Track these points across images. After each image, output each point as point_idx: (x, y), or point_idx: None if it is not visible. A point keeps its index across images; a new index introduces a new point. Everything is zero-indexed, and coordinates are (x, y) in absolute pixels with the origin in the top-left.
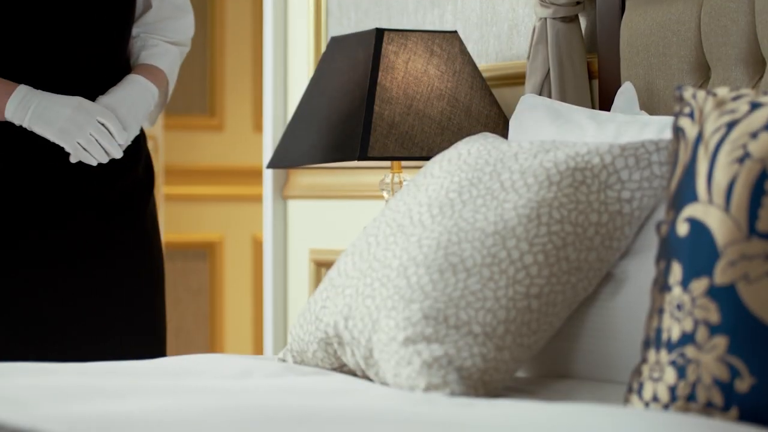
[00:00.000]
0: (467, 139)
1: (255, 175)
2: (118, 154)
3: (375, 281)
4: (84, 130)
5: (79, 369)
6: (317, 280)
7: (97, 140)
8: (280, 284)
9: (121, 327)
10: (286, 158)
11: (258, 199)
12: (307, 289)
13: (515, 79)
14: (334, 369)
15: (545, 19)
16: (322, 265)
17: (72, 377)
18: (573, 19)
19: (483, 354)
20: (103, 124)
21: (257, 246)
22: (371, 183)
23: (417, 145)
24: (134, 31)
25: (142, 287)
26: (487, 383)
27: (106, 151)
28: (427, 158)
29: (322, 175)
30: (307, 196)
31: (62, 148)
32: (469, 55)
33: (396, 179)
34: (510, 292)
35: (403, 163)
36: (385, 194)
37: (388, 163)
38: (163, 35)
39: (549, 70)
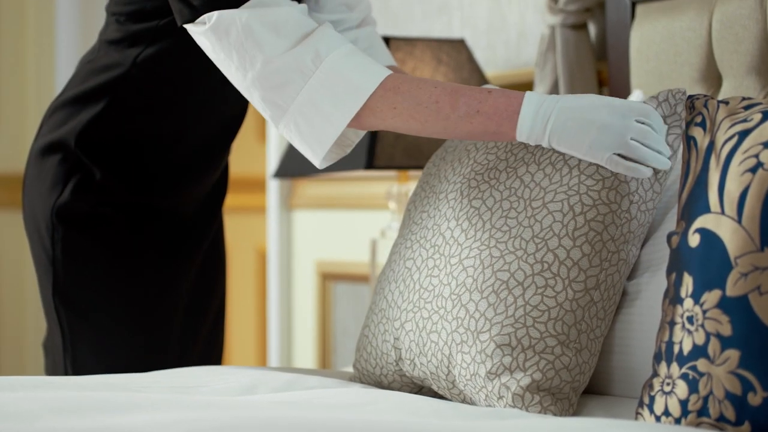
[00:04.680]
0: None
1: (258, 186)
2: (668, 152)
3: (433, 314)
4: (624, 136)
5: (79, 383)
6: (323, 291)
7: (642, 144)
8: (285, 296)
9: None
10: (292, 168)
11: (261, 209)
12: (312, 301)
13: (524, 87)
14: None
15: (554, 26)
16: (327, 277)
17: (73, 391)
18: (582, 27)
19: (566, 365)
20: (643, 123)
21: (260, 257)
22: (378, 193)
23: (424, 154)
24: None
25: (223, 294)
26: (576, 390)
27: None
28: None
29: (328, 185)
30: (312, 206)
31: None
32: (477, 63)
33: (403, 189)
34: (570, 293)
35: (410, 172)
36: (391, 204)
37: (394, 173)
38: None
39: (558, 77)
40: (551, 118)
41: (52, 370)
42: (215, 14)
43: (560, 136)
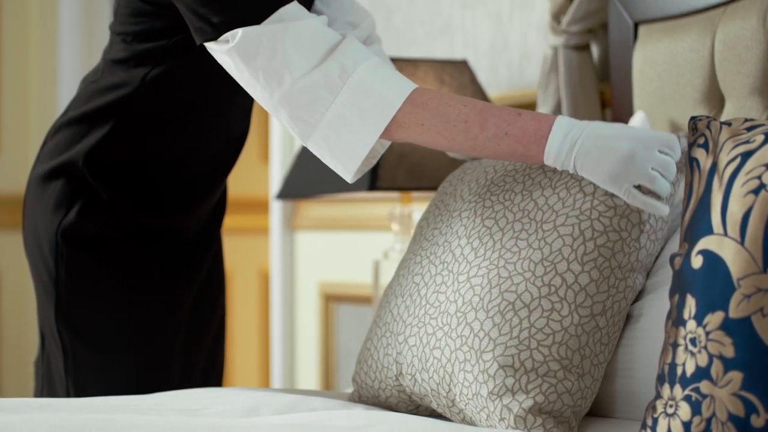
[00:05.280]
0: None
1: (261, 207)
2: (666, 191)
3: (437, 330)
4: (645, 167)
5: (83, 404)
6: (325, 313)
7: (662, 175)
8: (288, 317)
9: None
10: (295, 189)
11: (264, 231)
12: (315, 322)
13: (527, 108)
14: (411, 412)
15: (557, 47)
16: (330, 299)
17: (77, 413)
18: (585, 48)
19: (568, 389)
20: (666, 153)
21: (263, 278)
22: (380, 215)
23: (427, 176)
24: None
25: (222, 314)
26: (578, 414)
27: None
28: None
29: (331, 207)
30: (315, 227)
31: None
32: (480, 85)
33: (405, 211)
34: (575, 318)
35: (413, 194)
36: (394, 226)
37: (397, 195)
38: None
39: (561, 98)
40: (577, 144)
41: (47, 390)
42: (239, 33)
43: (583, 163)
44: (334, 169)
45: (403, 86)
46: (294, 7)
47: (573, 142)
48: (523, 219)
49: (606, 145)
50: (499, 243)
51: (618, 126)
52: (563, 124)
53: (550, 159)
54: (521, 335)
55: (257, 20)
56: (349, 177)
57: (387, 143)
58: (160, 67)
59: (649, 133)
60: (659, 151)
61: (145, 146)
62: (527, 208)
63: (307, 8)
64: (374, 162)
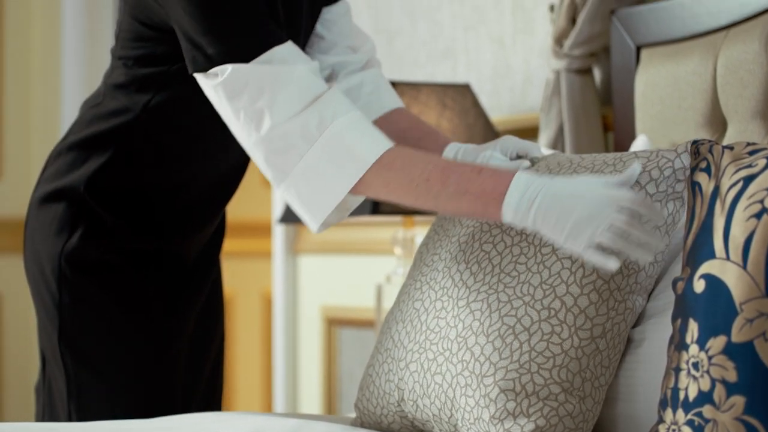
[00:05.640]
0: None
1: (264, 230)
2: (658, 246)
3: (438, 355)
4: (601, 229)
5: (85, 429)
6: (328, 337)
7: (623, 233)
8: (290, 341)
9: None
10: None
11: (266, 254)
12: (318, 346)
13: (529, 132)
14: None
15: (559, 71)
16: (333, 322)
17: None
18: (587, 72)
19: (570, 412)
20: (631, 210)
21: (265, 302)
22: (383, 238)
23: None
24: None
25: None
26: None
27: (643, 244)
28: None
29: (334, 231)
30: (318, 251)
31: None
32: (482, 108)
33: (408, 235)
34: (575, 341)
35: (416, 218)
36: (397, 250)
37: (400, 219)
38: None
39: (563, 122)
40: (534, 204)
41: (48, 414)
42: (228, 69)
43: (541, 224)
44: (302, 218)
45: (377, 144)
46: (286, 49)
47: (530, 202)
48: (521, 243)
49: (563, 207)
50: (498, 267)
51: (577, 184)
52: (521, 182)
53: (507, 217)
54: (522, 359)
55: (248, 58)
56: (315, 227)
57: (361, 197)
58: (162, 94)
59: (609, 192)
60: (621, 208)
61: (145, 173)
62: (525, 231)
63: (304, 37)
64: (346, 215)
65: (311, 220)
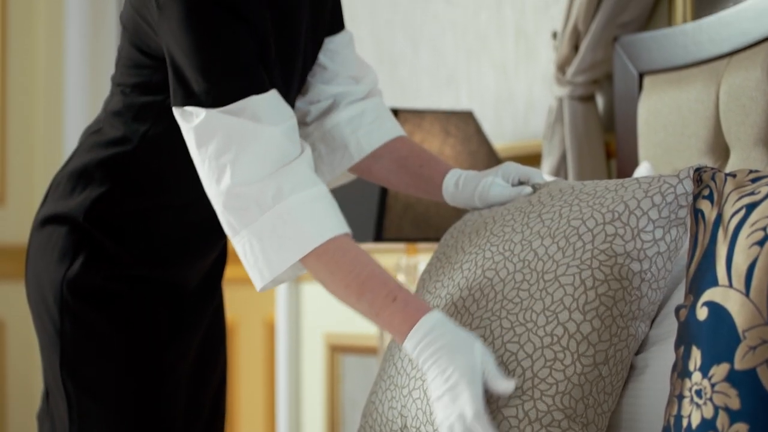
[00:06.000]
0: None
1: None
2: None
3: None
4: (468, 411)
5: None
6: (331, 364)
7: None
8: (293, 368)
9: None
10: None
11: None
12: (321, 373)
13: (532, 159)
14: None
15: (562, 98)
16: (336, 349)
17: None
18: (590, 99)
19: None
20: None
21: (268, 328)
22: (386, 265)
23: (432, 227)
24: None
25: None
26: None
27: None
28: None
29: None
30: None
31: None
32: (485, 135)
33: (411, 261)
34: (578, 367)
35: (419, 245)
36: (400, 277)
37: (403, 245)
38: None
39: (566, 149)
40: (420, 361)
41: None
42: (202, 115)
43: (428, 372)
44: (249, 274)
45: (327, 229)
46: (265, 100)
47: (432, 343)
48: (524, 269)
49: (454, 358)
50: (501, 294)
51: (472, 347)
52: (422, 329)
53: (410, 346)
54: (524, 385)
55: (224, 102)
56: (257, 287)
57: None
58: (159, 124)
59: (480, 371)
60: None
61: (143, 200)
62: (527, 258)
63: (303, 70)
64: (294, 277)
65: (254, 280)
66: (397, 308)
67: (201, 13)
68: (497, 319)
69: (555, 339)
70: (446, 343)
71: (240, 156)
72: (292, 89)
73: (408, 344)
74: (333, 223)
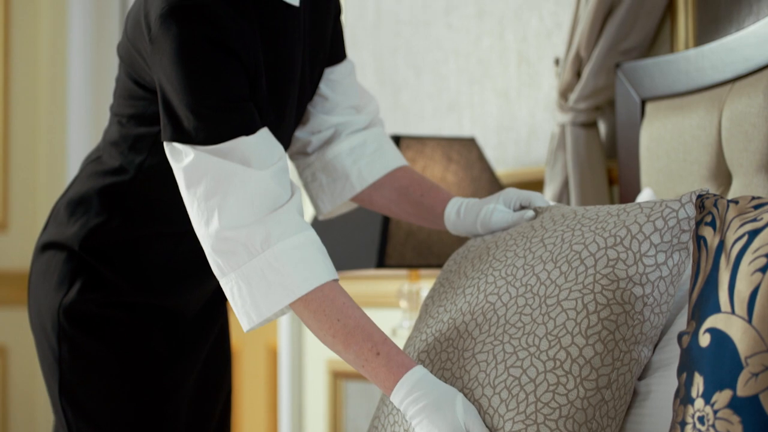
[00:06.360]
0: None
1: None
2: None
3: None
4: None
5: None
6: (334, 390)
7: None
8: (296, 394)
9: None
10: None
11: None
12: (324, 400)
13: (534, 185)
14: None
15: (564, 124)
16: (338, 376)
17: None
18: (592, 125)
19: None
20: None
21: (271, 355)
22: (389, 291)
23: (434, 253)
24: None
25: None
26: None
27: None
28: None
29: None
30: None
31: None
32: (488, 162)
33: (414, 288)
34: (581, 392)
35: (421, 271)
36: (402, 303)
37: (405, 272)
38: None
39: (568, 175)
40: (407, 416)
41: None
42: (192, 155)
43: (419, 424)
44: (236, 315)
45: (314, 275)
46: (254, 142)
47: (420, 399)
48: (526, 294)
49: (442, 413)
50: (503, 318)
51: (454, 401)
52: (405, 386)
53: (397, 399)
54: (528, 410)
55: (213, 141)
56: (245, 328)
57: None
58: (156, 155)
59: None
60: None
61: (137, 229)
62: (530, 283)
63: (301, 101)
64: (281, 315)
65: (242, 322)
66: (380, 363)
67: (192, 49)
68: (500, 343)
69: (558, 363)
70: (430, 403)
71: (229, 200)
72: (287, 122)
73: (394, 399)
74: (321, 270)
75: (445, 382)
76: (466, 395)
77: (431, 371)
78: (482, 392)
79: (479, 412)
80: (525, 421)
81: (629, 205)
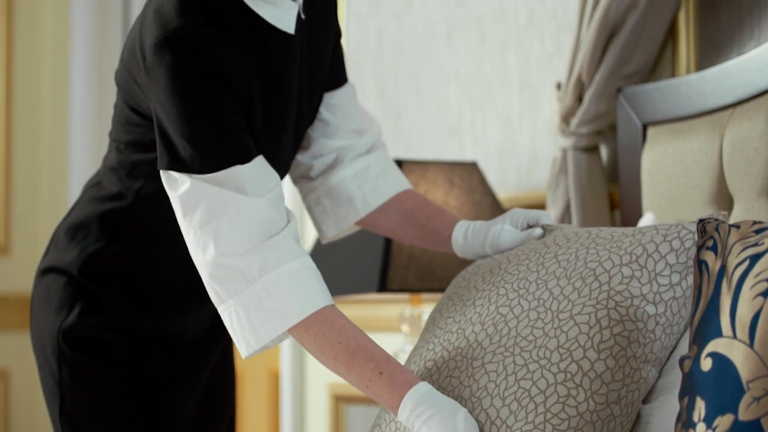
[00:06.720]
0: None
1: None
2: None
3: None
4: None
5: None
6: (336, 414)
7: None
8: (298, 418)
9: None
10: None
11: None
12: (326, 424)
13: (537, 207)
14: None
15: (566, 149)
16: (340, 399)
17: None
18: (594, 149)
19: None
20: None
21: (272, 378)
22: (390, 315)
23: (437, 277)
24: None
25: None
26: None
27: None
28: None
29: (341, 308)
30: None
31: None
32: (489, 186)
33: (416, 312)
34: (591, 405)
35: (423, 295)
36: (404, 327)
37: (407, 296)
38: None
39: (570, 200)
40: (425, 415)
41: None
42: (188, 183)
43: None
44: (235, 342)
45: (312, 301)
46: (250, 170)
47: (423, 413)
48: (539, 308)
49: (445, 427)
50: (515, 330)
51: (457, 416)
52: (410, 403)
53: (403, 416)
54: (536, 420)
55: (208, 170)
56: (243, 355)
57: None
58: (154, 182)
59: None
60: None
61: (136, 254)
62: (542, 297)
63: (301, 126)
64: (279, 342)
65: (240, 349)
66: (384, 382)
67: (186, 79)
68: (510, 355)
69: (569, 376)
70: (432, 414)
71: (225, 227)
72: (285, 148)
73: (401, 417)
74: (318, 296)
75: (452, 390)
76: (473, 404)
77: (438, 378)
78: (491, 402)
79: (486, 423)
80: (533, 430)
81: (644, 227)
